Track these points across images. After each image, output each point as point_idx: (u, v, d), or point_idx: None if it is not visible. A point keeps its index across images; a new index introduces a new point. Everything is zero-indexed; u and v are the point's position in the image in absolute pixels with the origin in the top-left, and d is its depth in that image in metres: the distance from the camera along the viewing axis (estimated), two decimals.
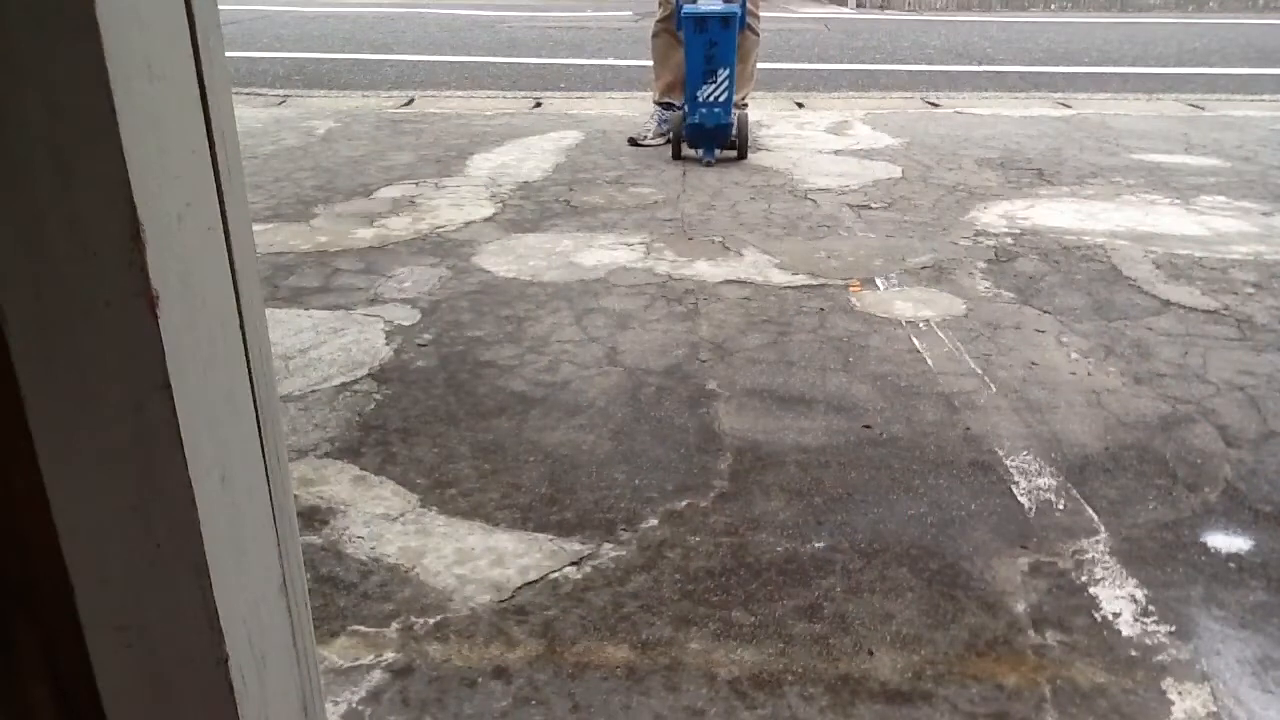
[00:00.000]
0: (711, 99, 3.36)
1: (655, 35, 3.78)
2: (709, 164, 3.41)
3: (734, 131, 3.43)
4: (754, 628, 1.14)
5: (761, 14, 3.75)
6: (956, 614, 1.17)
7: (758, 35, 3.73)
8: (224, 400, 0.50)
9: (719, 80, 3.33)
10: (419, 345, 1.92)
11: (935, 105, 4.57)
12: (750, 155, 3.53)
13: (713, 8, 3.29)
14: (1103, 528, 1.34)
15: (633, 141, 3.72)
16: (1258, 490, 1.43)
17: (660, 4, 3.74)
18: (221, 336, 0.49)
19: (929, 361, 1.85)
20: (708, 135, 3.39)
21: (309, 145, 3.64)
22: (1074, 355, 1.88)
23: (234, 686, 0.50)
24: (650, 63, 3.88)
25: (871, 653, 1.10)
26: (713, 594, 1.20)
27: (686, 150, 3.50)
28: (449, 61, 6.07)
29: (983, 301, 2.15)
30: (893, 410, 1.66)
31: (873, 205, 2.90)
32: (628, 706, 1.02)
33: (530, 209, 2.85)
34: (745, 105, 3.75)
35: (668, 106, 3.74)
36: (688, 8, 3.32)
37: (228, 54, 0.51)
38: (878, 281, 2.27)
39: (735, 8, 3.31)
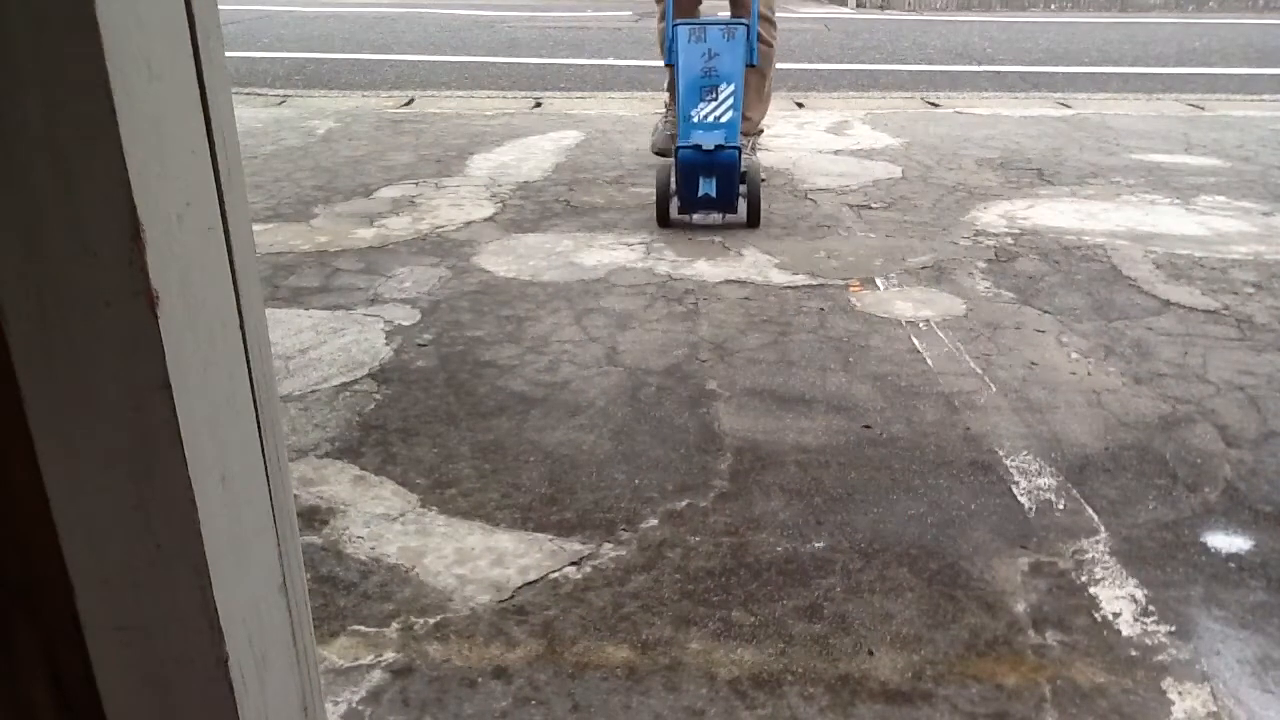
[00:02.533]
0: (710, 118, 2.61)
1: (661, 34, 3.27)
2: (703, 207, 2.58)
3: (744, 187, 2.62)
4: (754, 628, 1.14)
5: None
6: (956, 614, 1.17)
7: (772, 44, 3.11)
8: (224, 400, 0.50)
9: (721, 97, 2.61)
10: (419, 345, 1.92)
11: (935, 105, 4.57)
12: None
13: (715, 19, 2.67)
14: (1103, 528, 1.34)
15: (663, 153, 3.19)
16: (1258, 490, 1.43)
17: (660, 6, 3.15)
18: (221, 336, 0.49)
19: (929, 361, 1.85)
20: (706, 165, 2.54)
21: (309, 145, 3.64)
22: (1074, 355, 1.88)
23: (234, 686, 0.50)
24: (654, 62, 3.68)
25: (871, 653, 1.10)
26: (713, 594, 1.20)
27: (678, 214, 2.66)
28: (449, 61, 6.07)
29: (983, 301, 2.15)
30: (893, 410, 1.66)
31: (873, 205, 2.90)
32: (628, 706, 1.02)
33: (530, 209, 2.85)
34: (760, 131, 3.23)
35: None
36: (680, 23, 2.69)
37: (228, 54, 0.51)
38: (878, 281, 2.27)
39: (741, 27, 2.65)
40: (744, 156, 2.67)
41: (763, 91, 3.16)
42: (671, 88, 3.19)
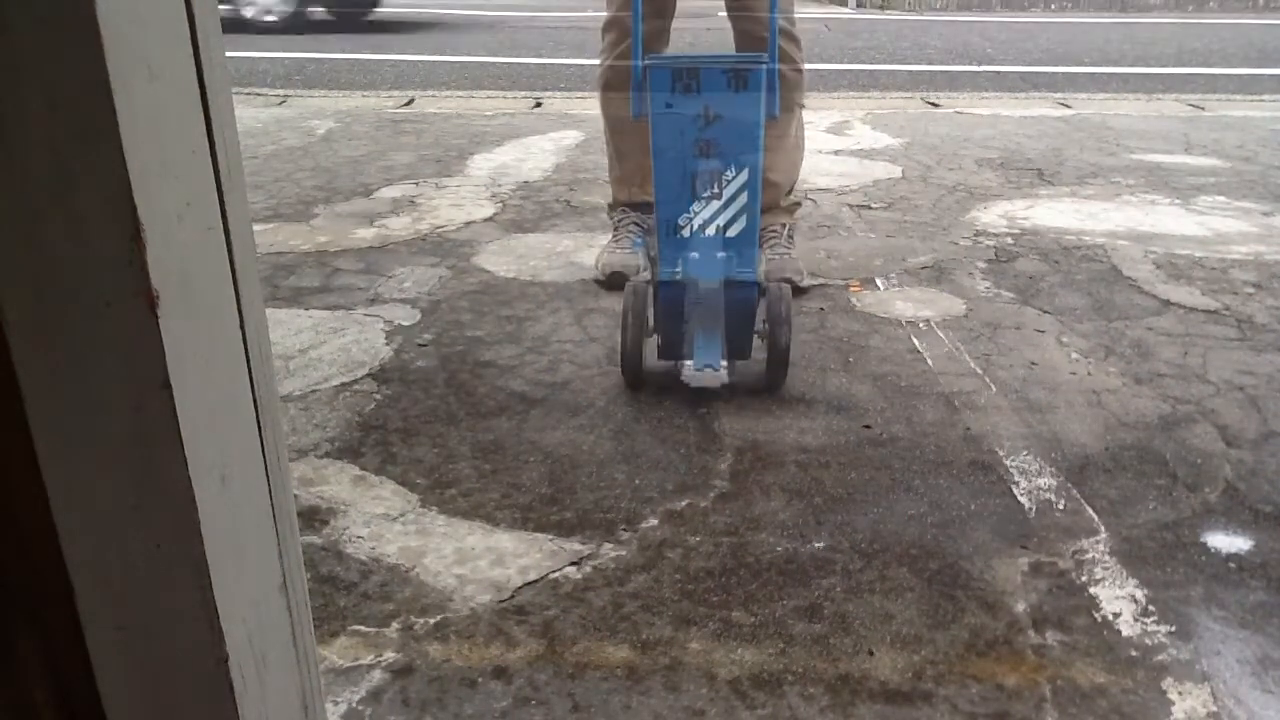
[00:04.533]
0: (711, 229, 1.60)
1: (606, 82, 2.16)
2: (707, 372, 1.62)
3: (761, 320, 1.66)
4: (754, 628, 1.14)
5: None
6: (956, 614, 1.17)
7: (800, 68, 2.17)
8: (224, 400, 0.50)
9: (726, 193, 1.58)
10: (419, 345, 1.92)
11: (935, 105, 4.57)
12: None
13: (712, 56, 1.59)
14: (1103, 528, 1.34)
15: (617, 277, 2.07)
16: (1258, 490, 1.43)
17: (608, 36, 2.11)
18: (221, 336, 0.49)
19: (929, 361, 1.85)
20: (707, 310, 1.62)
21: (309, 145, 3.64)
22: (1074, 355, 1.88)
23: (234, 686, 0.50)
24: None
25: (872, 653, 1.10)
26: (713, 594, 1.20)
27: (657, 360, 1.71)
28: (449, 61, 6.06)
29: (983, 301, 2.15)
30: (893, 410, 1.66)
31: (873, 205, 2.90)
32: (628, 706, 1.02)
33: (530, 209, 2.85)
34: (798, 203, 2.32)
35: (633, 208, 2.19)
36: (654, 60, 1.59)
37: (228, 54, 0.51)
38: (878, 281, 2.27)
39: (758, 71, 1.55)
40: (766, 256, 1.75)
41: (788, 136, 2.14)
42: (626, 171, 2.17)
